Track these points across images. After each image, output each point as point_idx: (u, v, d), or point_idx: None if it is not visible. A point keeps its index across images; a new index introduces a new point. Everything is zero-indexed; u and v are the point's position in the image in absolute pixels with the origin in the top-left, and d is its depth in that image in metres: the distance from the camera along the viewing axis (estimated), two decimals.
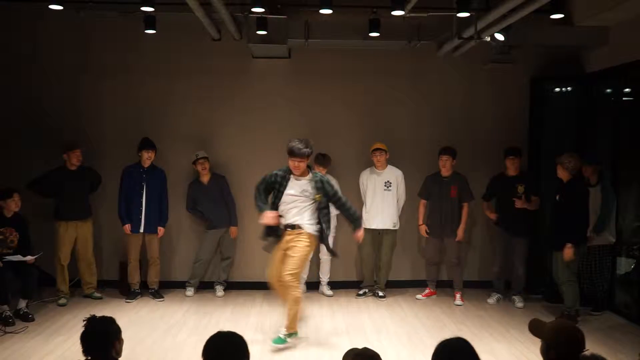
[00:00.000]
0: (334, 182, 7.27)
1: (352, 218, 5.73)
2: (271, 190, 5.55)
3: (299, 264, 5.45)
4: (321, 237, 5.56)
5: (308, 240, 5.48)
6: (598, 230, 6.44)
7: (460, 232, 7.05)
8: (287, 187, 5.45)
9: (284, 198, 5.46)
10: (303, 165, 5.41)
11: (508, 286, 7.23)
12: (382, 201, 7.13)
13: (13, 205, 6.21)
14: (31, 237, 6.41)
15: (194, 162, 7.13)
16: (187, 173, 7.39)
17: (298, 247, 5.43)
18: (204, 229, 7.34)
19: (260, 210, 5.48)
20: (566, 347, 2.72)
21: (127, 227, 6.94)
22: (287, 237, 5.50)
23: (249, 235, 7.44)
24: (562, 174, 6.20)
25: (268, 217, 5.41)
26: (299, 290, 5.51)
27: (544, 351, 2.79)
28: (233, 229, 7.27)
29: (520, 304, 6.94)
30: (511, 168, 6.94)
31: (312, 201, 5.45)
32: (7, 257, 6.02)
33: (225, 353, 2.63)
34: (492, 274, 7.25)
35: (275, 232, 5.54)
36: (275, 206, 5.50)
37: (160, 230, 7.08)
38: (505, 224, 7.01)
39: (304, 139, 5.44)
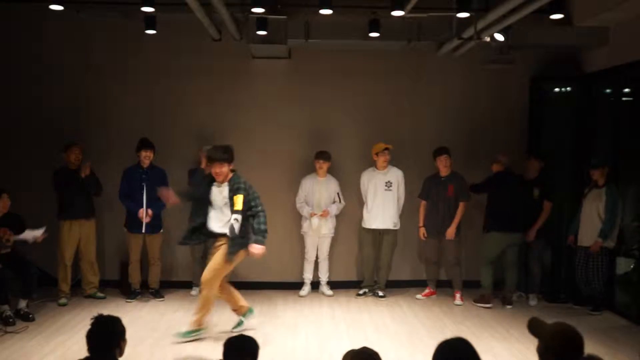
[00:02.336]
0: (334, 182, 7.29)
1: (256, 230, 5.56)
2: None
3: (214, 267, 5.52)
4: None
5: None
6: (603, 236, 6.44)
7: (450, 230, 7.02)
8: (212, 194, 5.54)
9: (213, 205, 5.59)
10: (222, 170, 5.48)
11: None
12: (382, 201, 7.13)
13: (1, 205, 6.16)
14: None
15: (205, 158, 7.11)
16: (187, 173, 7.38)
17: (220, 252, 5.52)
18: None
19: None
20: (565, 351, 2.70)
21: (142, 211, 6.85)
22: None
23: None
24: (496, 167, 6.92)
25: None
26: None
27: (542, 352, 2.78)
28: None
29: (533, 302, 6.98)
30: (530, 170, 6.95)
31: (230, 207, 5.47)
32: (18, 236, 6.03)
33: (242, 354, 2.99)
34: None
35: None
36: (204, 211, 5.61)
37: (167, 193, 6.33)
38: (522, 225, 6.97)
39: (223, 145, 5.59)
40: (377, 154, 7.10)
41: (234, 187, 5.47)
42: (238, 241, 5.43)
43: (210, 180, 5.56)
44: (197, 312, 5.57)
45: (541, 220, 6.88)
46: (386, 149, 7.07)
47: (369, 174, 7.25)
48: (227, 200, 5.47)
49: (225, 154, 5.48)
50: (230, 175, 5.53)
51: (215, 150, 5.54)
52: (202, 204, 5.60)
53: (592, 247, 6.48)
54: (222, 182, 5.51)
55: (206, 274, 5.47)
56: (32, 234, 6.12)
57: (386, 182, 7.15)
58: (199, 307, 5.56)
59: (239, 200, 5.41)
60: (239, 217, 5.40)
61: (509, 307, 6.83)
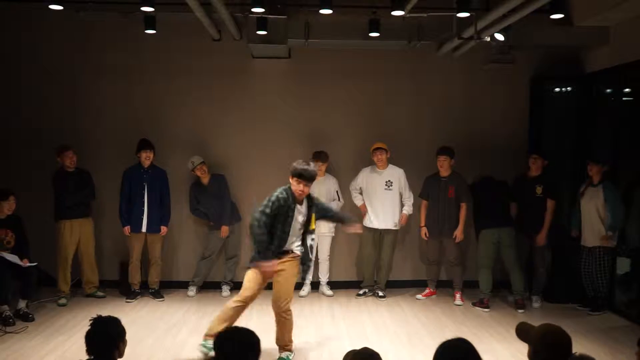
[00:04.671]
0: (333, 181, 7.30)
1: (345, 218, 5.67)
2: (273, 220, 4.95)
3: (291, 289, 5.20)
4: (305, 257, 5.28)
5: (297, 265, 5.23)
6: (613, 229, 6.43)
7: (458, 233, 7.05)
8: (296, 213, 5.01)
9: (294, 225, 5.01)
10: (309, 189, 5.04)
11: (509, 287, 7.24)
12: (382, 201, 7.12)
13: (7, 207, 6.19)
14: (28, 239, 6.39)
15: (193, 170, 7.11)
16: (187, 173, 7.37)
17: (291, 273, 5.14)
18: (208, 229, 7.33)
19: (265, 256, 4.92)
20: (553, 352, 2.69)
21: (127, 229, 6.95)
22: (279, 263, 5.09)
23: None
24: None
25: (272, 266, 4.96)
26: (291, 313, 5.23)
27: (531, 356, 2.77)
28: (224, 228, 7.18)
29: (537, 304, 6.95)
30: (532, 168, 6.93)
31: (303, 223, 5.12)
32: (3, 253, 6.01)
33: (238, 348, 2.63)
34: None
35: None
36: (284, 235, 5.00)
37: (163, 229, 7.08)
38: (524, 224, 6.97)
39: (306, 161, 5.06)
40: (372, 152, 7.11)
41: (310, 205, 5.11)
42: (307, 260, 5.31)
43: (289, 202, 4.94)
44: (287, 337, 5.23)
45: (548, 222, 6.83)
46: (378, 148, 7.07)
47: (367, 173, 7.24)
48: (305, 217, 5.08)
49: (315, 172, 5.06)
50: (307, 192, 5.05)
51: (309, 168, 4.95)
52: (282, 228, 5.02)
53: (602, 242, 6.47)
54: (302, 200, 5.07)
55: (288, 297, 5.12)
56: (20, 262, 6.07)
57: (386, 182, 7.14)
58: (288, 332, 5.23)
59: (314, 219, 5.13)
60: (315, 236, 5.23)
61: (521, 311, 6.73)
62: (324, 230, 7.26)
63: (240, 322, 6.15)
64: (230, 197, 7.28)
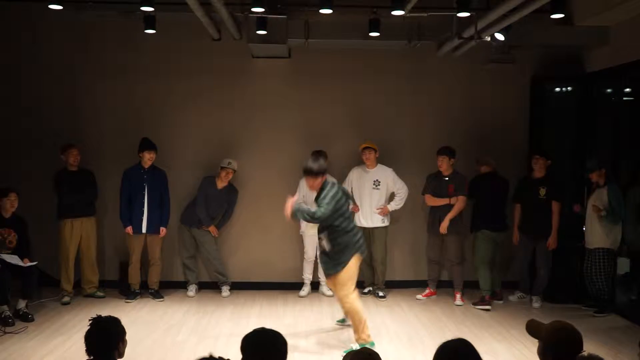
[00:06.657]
0: (332, 180, 7.28)
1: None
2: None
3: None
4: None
5: None
6: (609, 219, 6.38)
7: (443, 224, 6.98)
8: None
9: None
10: (314, 183, 5.47)
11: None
12: (370, 200, 7.13)
13: (8, 204, 6.18)
14: (31, 239, 6.39)
15: (222, 167, 7.07)
16: (186, 173, 7.38)
17: None
18: (180, 230, 7.37)
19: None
20: (563, 348, 2.69)
21: (129, 229, 6.93)
22: None
23: (250, 237, 7.47)
24: (484, 169, 7.07)
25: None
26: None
27: (541, 352, 2.77)
28: (214, 228, 7.25)
29: (537, 304, 6.93)
30: (535, 169, 6.90)
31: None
32: (3, 254, 6.00)
33: (265, 349, 2.57)
34: (518, 274, 7.28)
35: None
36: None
37: (162, 230, 7.07)
38: (528, 226, 6.95)
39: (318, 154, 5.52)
40: (361, 151, 7.11)
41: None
42: (333, 261, 5.46)
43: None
44: (354, 330, 5.45)
45: (555, 224, 6.78)
46: (367, 147, 7.06)
47: (357, 172, 7.24)
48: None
49: (320, 168, 5.46)
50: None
51: (310, 162, 5.48)
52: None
53: (593, 209, 6.46)
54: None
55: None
56: (22, 263, 6.07)
57: (374, 181, 7.13)
58: (353, 325, 5.49)
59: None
60: (323, 235, 5.47)
61: (487, 307, 6.80)
62: None
63: (241, 322, 6.17)
64: (233, 211, 7.35)
